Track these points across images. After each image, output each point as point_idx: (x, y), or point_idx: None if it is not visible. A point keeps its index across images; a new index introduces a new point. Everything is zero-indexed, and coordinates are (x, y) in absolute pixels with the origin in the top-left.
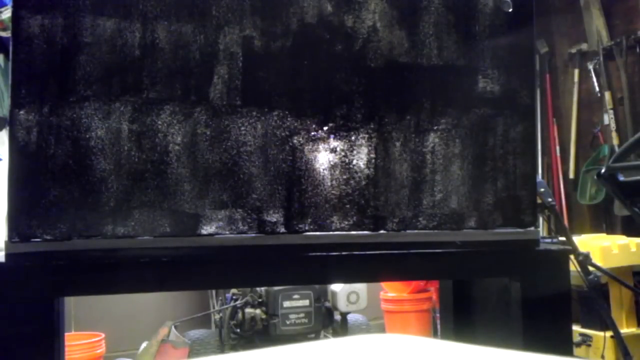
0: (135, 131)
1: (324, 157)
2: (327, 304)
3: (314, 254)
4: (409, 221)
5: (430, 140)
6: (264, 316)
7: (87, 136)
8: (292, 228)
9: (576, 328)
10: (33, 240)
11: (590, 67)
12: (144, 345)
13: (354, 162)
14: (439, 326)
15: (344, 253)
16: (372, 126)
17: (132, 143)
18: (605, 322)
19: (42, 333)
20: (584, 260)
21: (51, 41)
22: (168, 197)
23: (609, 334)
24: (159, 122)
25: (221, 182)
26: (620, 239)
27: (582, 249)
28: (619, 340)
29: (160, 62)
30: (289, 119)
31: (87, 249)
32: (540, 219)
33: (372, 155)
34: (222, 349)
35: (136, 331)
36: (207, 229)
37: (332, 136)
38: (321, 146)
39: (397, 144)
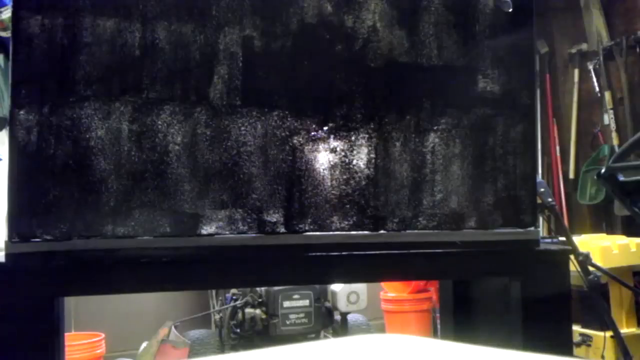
0: (135, 131)
1: (324, 157)
2: (327, 304)
3: (314, 254)
4: (409, 221)
5: (430, 140)
6: (264, 316)
7: (87, 136)
8: (292, 228)
9: (576, 328)
10: (33, 240)
11: (590, 67)
12: (144, 345)
13: (354, 162)
14: (439, 326)
15: (344, 253)
16: (372, 126)
17: (132, 143)
18: (605, 322)
19: (42, 333)
20: (584, 260)
21: (51, 41)
22: (168, 197)
23: (609, 334)
24: (159, 122)
25: (221, 182)
26: (620, 239)
27: (582, 249)
28: (619, 340)
29: (160, 62)
30: (289, 119)
31: (87, 249)
32: (540, 219)
33: (372, 155)
34: (222, 349)
35: (136, 331)
36: (207, 229)
37: (332, 136)
38: (321, 146)
39: (397, 144)
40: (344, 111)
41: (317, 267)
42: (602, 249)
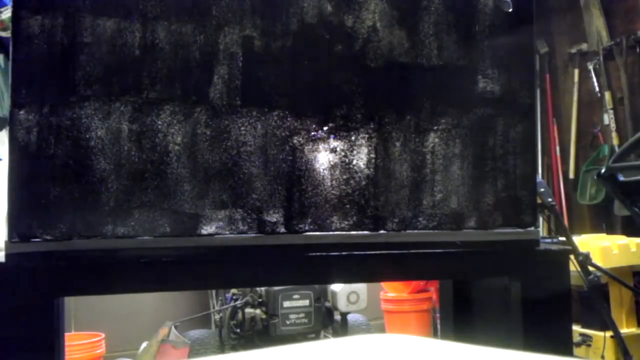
0: (135, 131)
1: (324, 157)
2: (327, 304)
3: (314, 254)
4: (409, 221)
5: (430, 140)
6: (264, 316)
7: (87, 136)
8: (292, 228)
9: (576, 328)
10: (33, 240)
11: (590, 67)
12: (144, 345)
13: (354, 162)
14: (439, 326)
15: (344, 253)
16: (372, 126)
17: (132, 143)
18: (605, 322)
19: (42, 333)
20: (584, 260)
21: (51, 41)
22: (168, 197)
23: (609, 334)
24: (159, 122)
25: (221, 182)
26: (620, 239)
27: (582, 249)
28: (619, 340)
29: (160, 62)
30: (289, 119)
31: (87, 249)
32: (540, 219)
33: (372, 155)
34: (222, 349)
35: (136, 331)
36: (207, 229)
37: (332, 136)
38: (321, 146)
39: (397, 144)
40: (344, 111)
41: (317, 267)
42: (602, 249)
